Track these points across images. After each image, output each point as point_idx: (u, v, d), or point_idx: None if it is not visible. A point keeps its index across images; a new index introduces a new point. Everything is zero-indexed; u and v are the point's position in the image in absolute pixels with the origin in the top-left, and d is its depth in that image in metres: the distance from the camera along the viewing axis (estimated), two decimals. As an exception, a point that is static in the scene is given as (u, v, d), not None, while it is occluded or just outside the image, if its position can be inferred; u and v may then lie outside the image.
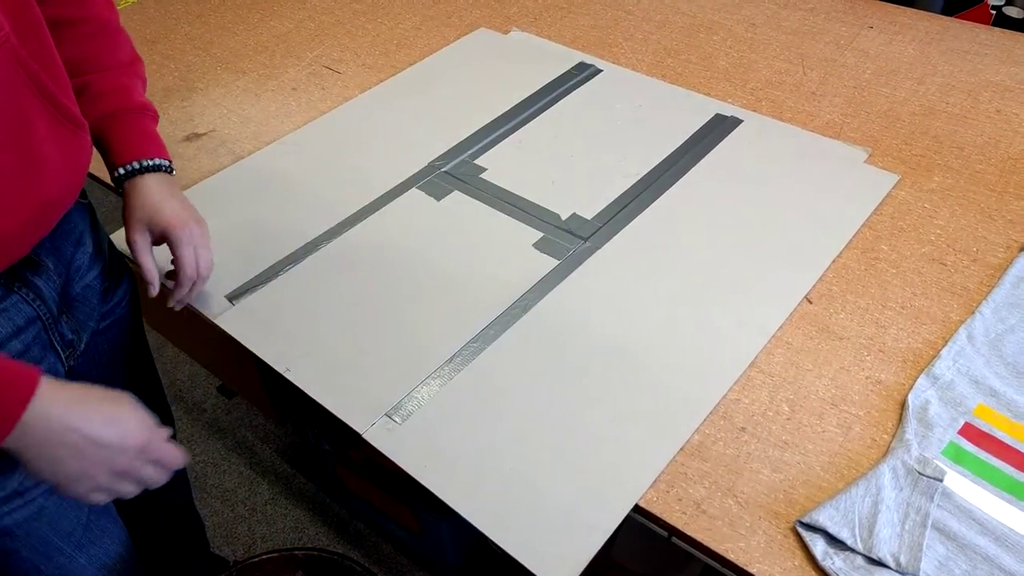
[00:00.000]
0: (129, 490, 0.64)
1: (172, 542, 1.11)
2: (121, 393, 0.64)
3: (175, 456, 0.66)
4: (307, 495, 1.53)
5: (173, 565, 1.13)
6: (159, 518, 1.02)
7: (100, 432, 0.60)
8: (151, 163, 0.78)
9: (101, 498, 0.63)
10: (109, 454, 0.61)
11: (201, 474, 1.58)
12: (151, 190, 0.77)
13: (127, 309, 0.86)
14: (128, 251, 0.78)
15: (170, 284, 0.80)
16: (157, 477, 0.65)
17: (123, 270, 0.88)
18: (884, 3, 1.29)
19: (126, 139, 0.77)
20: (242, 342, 0.80)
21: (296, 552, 0.88)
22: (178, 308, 0.81)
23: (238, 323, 0.82)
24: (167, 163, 0.79)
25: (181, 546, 1.13)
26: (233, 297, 0.84)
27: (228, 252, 0.90)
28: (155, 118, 0.82)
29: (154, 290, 0.77)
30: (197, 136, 1.09)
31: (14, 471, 0.69)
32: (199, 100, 1.15)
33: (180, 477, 1.14)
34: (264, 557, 0.85)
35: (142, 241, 0.76)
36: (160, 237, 0.77)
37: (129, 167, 0.76)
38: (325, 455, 1.33)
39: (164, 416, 1.08)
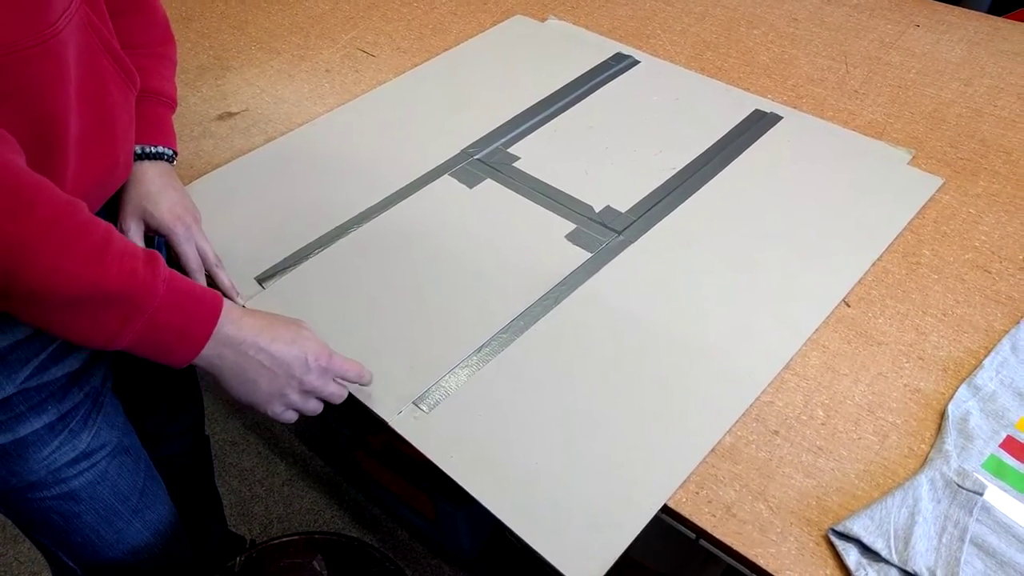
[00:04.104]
0: (316, 408, 0.69)
1: (190, 514, 1.12)
2: (298, 319, 0.69)
3: (358, 372, 0.70)
4: (324, 478, 1.54)
5: (190, 536, 1.14)
6: (183, 490, 1.04)
7: (287, 352, 0.65)
8: (153, 150, 0.77)
9: (292, 416, 0.68)
10: (298, 373, 0.65)
11: (220, 452, 1.59)
12: (149, 179, 0.77)
13: None
14: None
15: None
16: (340, 393, 0.70)
17: (160, 244, 0.88)
18: (932, 1, 1.26)
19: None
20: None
21: (316, 535, 0.88)
22: None
23: (267, 307, 0.81)
24: (170, 152, 0.79)
25: (199, 519, 1.14)
26: (262, 279, 0.84)
27: (258, 233, 0.89)
28: (171, 105, 0.81)
29: None
30: (230, 115, 1.08)
31: (83, 431, 0.71)
32: (233, 79, 1.15)
33: (204, 451, 1.14)
34: (285, 539, 0.85)
35: (135, 229, 0.76)
36: (155, 230, 0.77)
37: None
38: (345, 439, 1.33)
39: (192, 391, 1.08)
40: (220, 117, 1.08)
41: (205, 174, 0.98)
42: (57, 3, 0.58)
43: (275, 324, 0.66)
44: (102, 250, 0.55)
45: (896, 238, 0.86)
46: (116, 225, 0.76)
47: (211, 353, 0.62)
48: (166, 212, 0.76)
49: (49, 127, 0.60)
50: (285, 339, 0.65)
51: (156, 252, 0.60)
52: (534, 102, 1.07)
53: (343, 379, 0.70)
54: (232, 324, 0.62)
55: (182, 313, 0.59)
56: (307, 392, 0.67)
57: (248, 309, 0.65)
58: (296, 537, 0.86)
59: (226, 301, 0.63)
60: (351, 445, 1.34)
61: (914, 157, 0.96)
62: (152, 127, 0.78)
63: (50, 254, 0.53)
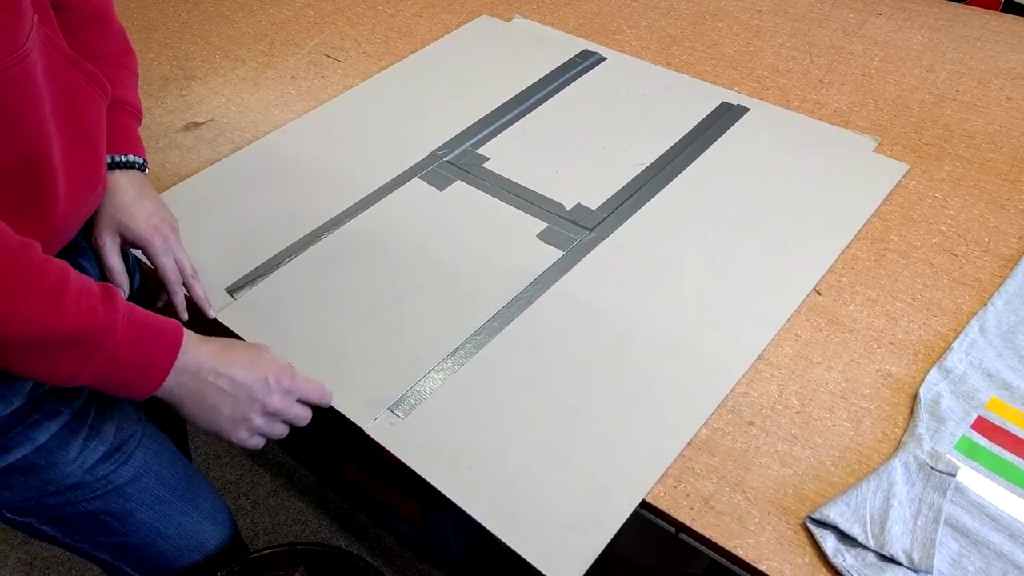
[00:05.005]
0: (282, 431, 0.68)
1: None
2: (260, 344, 0.68)
3: (321, 393, 0.69)
4: (309, 488, 1.53)
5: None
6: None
7: (246, 374, 0.64)
8: (124, 159, 0.76)
9: (258, 441, 0.67)
10: (260, 395, 0.64)
11: (203, 466, 1.57)
12: (122, 189, 0.75)
13: (139, 301, 0.85)
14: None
15: (164, 297, 0.79)
16: (305, 415, 0.69)
17: (135, 263, 0.87)
18: (892, -11, 1.27)
19: None
20: (244, 337, 0.79)
21: (298, 546, 0.87)
22: (186, 317, 0.79)
23: (239, 318, 0.80)
24: (140, 161, 0.77)
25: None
26: (233, 290, 0.83)
27: (228, 244, 0.88)
28: (136, 116, 0.80)
29: (124, 292, 0.75)
30: (196, 125, 1.07)
31: (104, 423, 0.70)
32: (198, 89, 1.14)
33: None
34: (267, 552, 0.84)
35: (111, 243, 0.74)
36: (131, 243, 0.75)
37: None
38: (327, 447, 1.32)
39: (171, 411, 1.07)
40: (186, 128, 1.07)
41: (172, 186, 0.97)
42: (24, 24, 0.57)
43: (232, 348, 0.65)
44: (59, 290, 0.54)
45: (864, 225, 0.87)
46: (91, 240, 0.74)
47: (171, 383, 0.61)
48: (143, 224, 0.75)
49: (33, 150, 0.59)
50: (243, 362, 0.64)
51: (112, 287, 0.59)
52: (502, 102, 1.06)
53: (306, 400, 0.69)
54: (190, 352, 0.62)
55: (143, 347, 0.59)
56: (271, 415, 0.66)
57: (205, 336, 0.64)
58: (278, 549, 0.85)
59: (185, 330, 0.62)
60: (335, 453, 1.33)
61: (879, 144, 0.97)
62: (120, 137, 0.76)
63: (7, 299, 0.51)
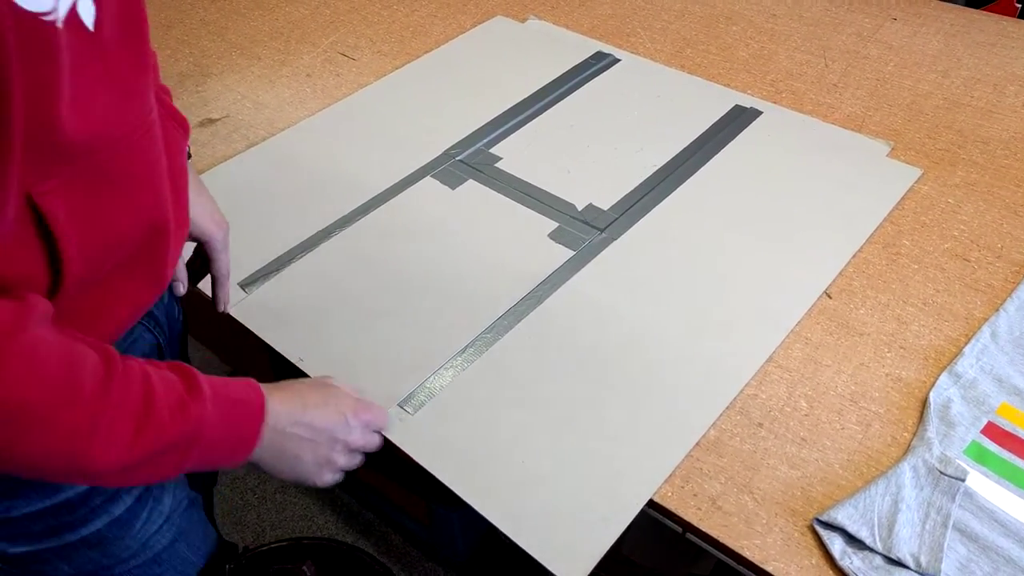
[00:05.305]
0: (361, 461, 0.65)
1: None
2: (323, 378, 0.65)
3: (386, 417, 0.67)
4: (317, 484, 1.54)
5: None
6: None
7: (323, 416, 0.61)
8: None
9: (339, 478, 0.64)
10: (341, 435, 0.62)
11: (211, 461, 1.58)
12: None
13: (183, 317, 0.85)
14: None
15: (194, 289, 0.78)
16: (379, 442, 0.67)
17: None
18: (908, -6, 1.27)
19: None
20: (256, 332, 0.79)
21: (304, 541, 0.88)
22: (222, 309, 0.79)
23: (251, 313, 0.81)
24: (188, 149, 0.77)
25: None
26: (246, 285, 0.84)
27: (242, 239, 0.89)
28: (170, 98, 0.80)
29: (183, 288, 0.74)
30: (211, 122, 1.08)
31: (164, 496, 0.68)
32: (213, 85, 1.15)
33: None
34: (274, 546, 0.85)
35: None
36: (195, 238, 0.74)
37: None
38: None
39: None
40: (201, 124, 1.08)
41: (187, 181, 0.98)
42: (151, 80, 0.54)
43: (303, 391, 0.62)
44: (148, 399, 0.49)
45: (876, 229, 0.86)
46: None
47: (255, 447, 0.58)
48: (207, 219, 0.73)
49: (156, 215, 0.55)
50: (317, 403, 0.61)
51: (185, 366, 0.54)
52: (515, 102, 1.07)
53: (379, 429, 0.67)
54: (268, 409, 0.58)
55: (231, 425, 0.55)
56: (353, 451, 0.64)
57: (273, 384, 0.60)
58: (285, 543, 0.85)
59: (260, 386, 0.59)
60: (342, 450, 1.34)
61: (893, 149, 0.97)
62: None
63: (103, 431, 0.47)
